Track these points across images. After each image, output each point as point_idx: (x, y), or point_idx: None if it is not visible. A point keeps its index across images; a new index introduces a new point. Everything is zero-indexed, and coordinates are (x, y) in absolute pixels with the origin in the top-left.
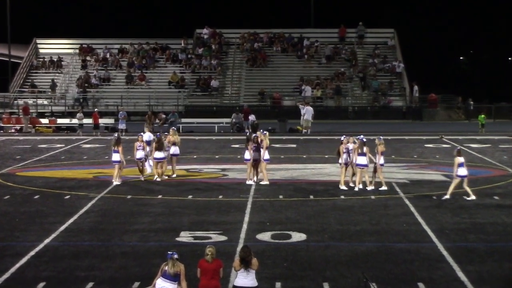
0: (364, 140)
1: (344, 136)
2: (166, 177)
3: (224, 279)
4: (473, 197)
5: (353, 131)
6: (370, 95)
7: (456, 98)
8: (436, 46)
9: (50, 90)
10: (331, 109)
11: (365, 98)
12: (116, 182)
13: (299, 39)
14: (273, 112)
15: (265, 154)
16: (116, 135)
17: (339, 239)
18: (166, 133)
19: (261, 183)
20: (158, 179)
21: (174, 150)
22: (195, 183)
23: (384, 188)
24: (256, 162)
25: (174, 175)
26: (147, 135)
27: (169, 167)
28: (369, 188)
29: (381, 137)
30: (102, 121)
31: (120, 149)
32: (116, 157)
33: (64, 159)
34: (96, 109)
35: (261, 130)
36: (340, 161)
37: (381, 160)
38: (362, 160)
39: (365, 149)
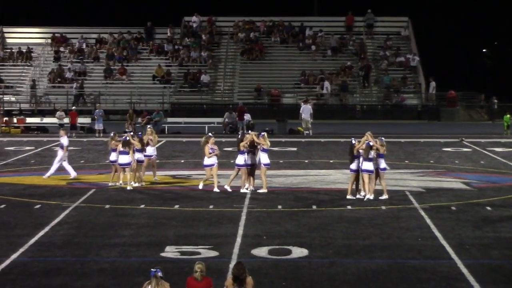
0: (371, 144)
1: (353, 138)
2: (139, 185)
3: None
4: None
5: (361, 133)
6: (380, 92)
7: (478, 95)
8: (456, 37)
9: (29, 88)
10: (336, 108)
11: (375, 96)
12: (129, 186)
13: (301, 29)
14: (271, 111)
15: (265, 158)
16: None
17: (345, 255)
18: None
19: (259, 191)
20: (128, 187)
21: (151, 151)
22: (182, 191)
23: (385, 197)
24: (252, 168)
25: (156, 178)
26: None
27: (149, 172)
28: (368, 196)
29: (383, 138)
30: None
31: (130, 150)
32: (124, 159)
33: (34, 164)
34: (74, 107)
35: (261, 132)
36: (352, 166)
37: (382, 164)
38: (369, 165)
39: (372, 153)
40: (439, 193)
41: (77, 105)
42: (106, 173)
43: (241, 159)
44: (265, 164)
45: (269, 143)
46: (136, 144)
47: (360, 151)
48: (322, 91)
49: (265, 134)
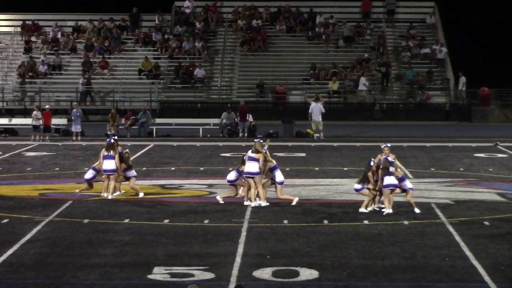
0: (390, 159)
1: (372, 160)
2: (119, 192)
3: None
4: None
5: (380, 137)
6: (403, 88)
7: None
8: (490, 25)
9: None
10: (352, 107)
11: (396, 93)
12: (110, 195)
13: (310, 15)
14: (275, 110)
15: (279, 175)
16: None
17: (361, 278)
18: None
19: (259, 202)
20: (109, 196)
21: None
22: (173, 203)
23: (388, 211)
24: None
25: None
26: None
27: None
28: (387, 210)
29: (389, 144)
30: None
31: (116, 154)
32: (109, 165)
33: (1, 172)
34: (47, 106)
35: (259, 140)
36: (369, 186)
37: (408, 185)
38: (391, 179)
39: (391, 168)
40: (470, 206)
41: (84, 104)
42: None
43: (232, 176)
44: (279, 183)
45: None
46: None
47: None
48: (360, 88)
49: (266, 145)
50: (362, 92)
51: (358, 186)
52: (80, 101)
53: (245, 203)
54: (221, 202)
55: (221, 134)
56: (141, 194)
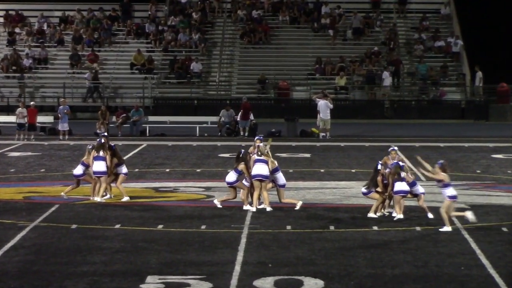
0: (401, 164)
1: (379, 163)
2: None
3: None
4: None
5: (390, 136)
6: (415, 84)
7: None
8: (508, 17)
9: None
10: (360, 104)
11: (408, 89)
12: (99, 198)
13: (315, 5)
14: (278, 108)
15: (281, 177)
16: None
17: None
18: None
19: (264, 206)
20: (98, 200)
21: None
22: (168, 207)
23: (399, 216)
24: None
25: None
26: None
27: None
28: (398, 216)
29: (396, 147)
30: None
31: (107, 155)
32: (100, 166)
33: None
34: (32, 103)
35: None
36: (378, 189)
37: (419, 189)
38: (402, 185)
39: (403, 174)
40: (487, 211)
41: (92, 101)
42: (71, 185)
43: (232, 177)
44: (281, 185)
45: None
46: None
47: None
48: (385, 84)
49: (268, 145)
50: (387, 88)
51: (366, 190)
52: (86, 98)
53: (245, 207)
54: (219, 206)
55: (220, 133)
56: (125, 198)
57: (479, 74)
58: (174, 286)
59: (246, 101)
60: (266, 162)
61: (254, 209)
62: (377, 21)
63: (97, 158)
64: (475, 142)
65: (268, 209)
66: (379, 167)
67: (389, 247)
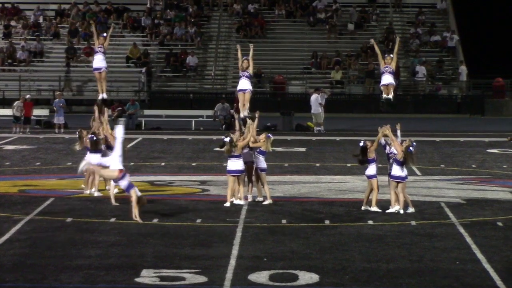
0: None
1: (363, 141)
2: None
3: None
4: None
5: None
6: (410, 79)
7: None
8: (505, 11)
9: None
10: (356, 99)
11: (404, 84)
12: (96, 192)
13: (311, 0)
14: (274, 102)
15: (260, 162)
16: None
17: (365, 282)
18: None
19: (261, 201)
20: (95, 193)
21: None
22: (163, 201)
23: (395, 208)
24: (249, 168)
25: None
26: None
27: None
28: (396, 208)
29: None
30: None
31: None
32: (95, 159)
33: None
34: (28, 96)
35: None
36: (370, 172)
37: (371, 169)
38: (398, 171)
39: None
40: (482, 206)
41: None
42: (68, 178)
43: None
44: (262, 169)
45: (270, 148)
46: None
47: (393, 150)
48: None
49: (271, 137)
50: (423, 82)
51: (372, 172)
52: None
53: (236, 201)
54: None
55: (223, 126)
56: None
57: (463, 68)
58: (169, 279)
59: None
60: (239, 156)
61: (241, 202)
62: (373, 16)
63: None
64: (470, 137)
65: (236, 201)
66: (362, 143)
67: (384, 241)
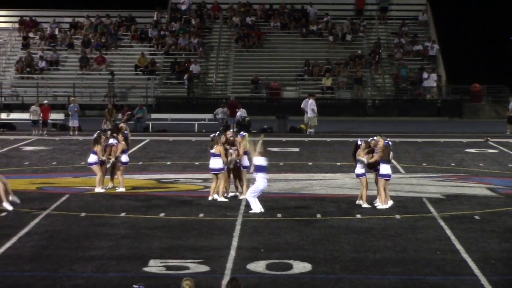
0: (390, 143)
1: (360, 140)
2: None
3: None
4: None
5: (372, 132)
6: (395, 85)
7: (506, 89)
8: (481, 23)
9: None
10: (344, 103)
11: (389, 89)
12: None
13: (304, 12)
14: (270, 106)
15: (243, 160)
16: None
17: (353, 271)
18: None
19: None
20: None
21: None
22: (168, 197)
23: (383, 206)
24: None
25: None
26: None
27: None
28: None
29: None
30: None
31: (98, 149)
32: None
33: None
34: (46, 101)
35: (241, 133)
36: (358, 171)
37: (360, 168)
38: (386, 169)
39: (391, 154)
40: (460, 200)
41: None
42: (82, 177)
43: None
44: (244, 167)
45: (247, 145)
46: (120, 144)
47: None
48: (429, 84)
49: (246, 135)
50: (433, 88)
51: (360, 171)
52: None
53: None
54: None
55: (222, 128)
56: (120, 189)
57: (433, 76)
58: (174, 269)
59: (234, 99)
60: (219, 155)
61: (220, 198)
62: (360, 27)
63: (94, 152)
64: (450, 138)
65: (215, 196)
66: (359, 142)
67: (371, 233)
